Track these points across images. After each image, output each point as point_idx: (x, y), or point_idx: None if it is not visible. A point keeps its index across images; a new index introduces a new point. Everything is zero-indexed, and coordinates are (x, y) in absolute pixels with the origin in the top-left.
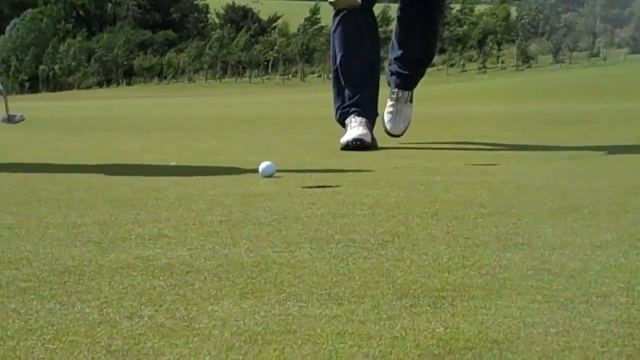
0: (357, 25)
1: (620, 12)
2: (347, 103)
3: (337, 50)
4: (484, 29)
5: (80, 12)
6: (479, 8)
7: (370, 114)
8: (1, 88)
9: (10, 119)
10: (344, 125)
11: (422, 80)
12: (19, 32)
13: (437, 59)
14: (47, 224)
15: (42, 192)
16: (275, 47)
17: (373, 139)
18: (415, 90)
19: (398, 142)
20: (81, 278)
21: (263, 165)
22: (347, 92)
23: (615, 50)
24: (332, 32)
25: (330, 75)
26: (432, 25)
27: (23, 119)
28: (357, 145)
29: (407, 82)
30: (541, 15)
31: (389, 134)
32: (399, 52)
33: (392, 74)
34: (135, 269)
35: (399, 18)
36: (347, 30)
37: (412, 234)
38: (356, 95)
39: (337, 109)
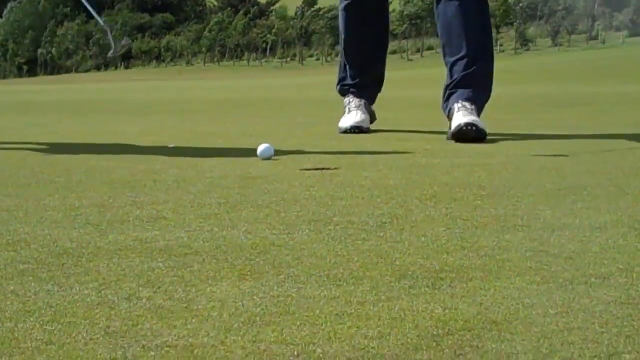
0: (364, 6)
1: None
2: (348, 82)
3: (341, 29)
4: None
5: None
6: None
7: (370, 95)
8: (102, 25)
9: (115, 49)
10: (342, 95)
11: (421, 63)
12: (16, 15)
13: (435, 41)
14: (46, 206)
15: (40, 174)
16: (274, 30)
17: (372, 114)
18: (416, 72)
19: (397, 125)
20: (79, 260)
21: (261, 148)
22: (349, 71)
23: (614, 33)
24: (339, 7)
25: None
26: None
27: (129, 42)
28: (354, 132)
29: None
30: None
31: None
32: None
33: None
34: (134, 251)
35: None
36: (351, 11)
37: (411, 215)
38: (356, 78)
39: (339, 82)
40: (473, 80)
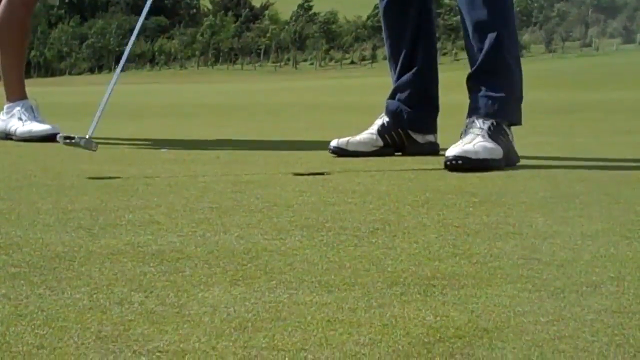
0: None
1: (613, 2)
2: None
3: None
4: None
5: None
6: None
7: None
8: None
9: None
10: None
11: None
12: None
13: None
14: (38, 209)
15: (32, 177)
16: (268, 34)
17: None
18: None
19: None
20: (71, 264)
21: None
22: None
23: (608, 40)
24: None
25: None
26: None
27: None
28: (330, 151)
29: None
30: (535, 5)
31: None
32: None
33: None
34: (126, 255)
35: None
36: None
37: (403, 222)
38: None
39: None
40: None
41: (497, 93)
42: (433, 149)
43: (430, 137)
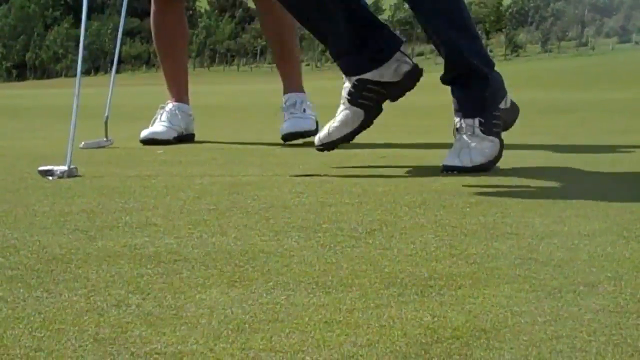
0: None
1: (609, 1)
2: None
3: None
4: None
5: (68, 0)
6: None
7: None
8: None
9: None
10: None
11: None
12: (6, 19)
13: (425, 47)
14: (35, 212)
15: (29, 180)
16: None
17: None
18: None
19: (386, 131)
20: (68, 266)
21: None
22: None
23: (604, 39)
24: None
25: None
26: None
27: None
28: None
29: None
30: (531, 5)
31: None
32: None
33: None
34: (123, 257)
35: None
36: None
37: (400, 222)
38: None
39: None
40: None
41: (474, 92)
42: (415, 77)
43: (401, 65)
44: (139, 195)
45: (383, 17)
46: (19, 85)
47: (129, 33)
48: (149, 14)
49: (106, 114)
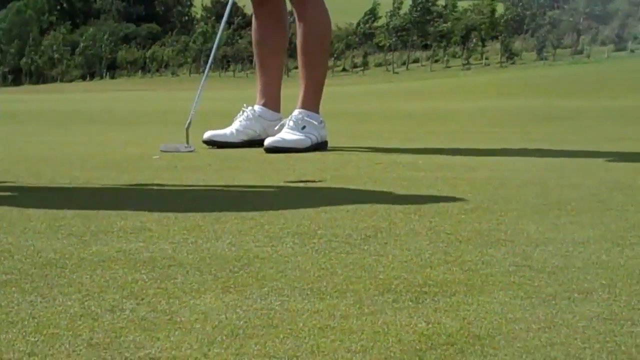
0: None
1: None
2: None
3: None
4: (466, 25)
5: (65, 5)
6: (462, 4)
7: None
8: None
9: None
10: None
11: (407, 76)
12: (2, 24)
13: (421, 54)
14: (29, 216)
15: (24, 184)
16: None
17: None
18: (402, 85)
19: (381, 138)
20: (63, 271)
21: None
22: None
23: (599, 47)
24: None
25: None
26: None
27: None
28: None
29: None
30: (527, 12)
31: None
32: None
33: None
34: (117, 262)
35: None
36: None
37: (395, 229)
38: None
39: None
40: None
41: None
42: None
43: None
44: (134, 200)
45: (378, 24)
46: (15, 89)
47: (124, 38)
48: (145, 20)
49: (189, 120)
